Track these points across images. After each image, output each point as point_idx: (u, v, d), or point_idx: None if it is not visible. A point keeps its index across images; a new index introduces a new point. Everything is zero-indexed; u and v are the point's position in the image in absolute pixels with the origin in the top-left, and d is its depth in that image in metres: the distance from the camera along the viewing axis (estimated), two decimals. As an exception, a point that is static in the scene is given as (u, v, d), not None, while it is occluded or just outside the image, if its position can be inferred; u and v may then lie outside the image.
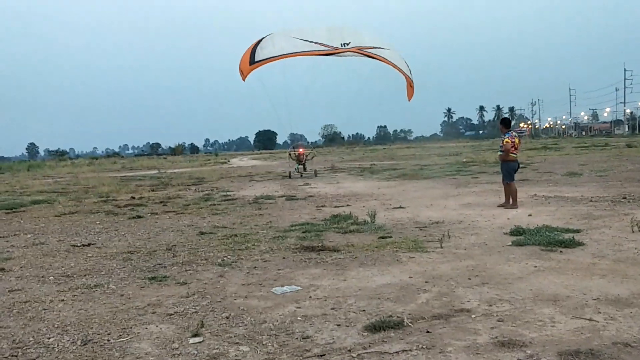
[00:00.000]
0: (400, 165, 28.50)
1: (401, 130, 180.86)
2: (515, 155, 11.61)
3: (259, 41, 16.70)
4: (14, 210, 14.41)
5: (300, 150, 25.34)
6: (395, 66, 16.60)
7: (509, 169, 11.55)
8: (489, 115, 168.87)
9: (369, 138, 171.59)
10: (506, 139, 11.53)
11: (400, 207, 12.02)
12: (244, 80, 16.95)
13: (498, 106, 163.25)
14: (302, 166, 24.34)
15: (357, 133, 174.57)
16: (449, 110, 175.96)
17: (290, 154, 25.98)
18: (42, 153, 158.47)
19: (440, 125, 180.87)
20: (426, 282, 5.89)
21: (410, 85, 17.33)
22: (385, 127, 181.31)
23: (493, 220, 9.87)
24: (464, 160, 30.53)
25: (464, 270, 6.34)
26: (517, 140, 11.66)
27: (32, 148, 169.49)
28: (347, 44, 15.83)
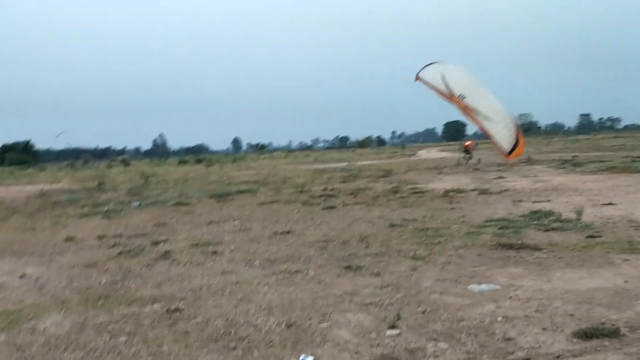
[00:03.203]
0: (608, 157, 25.82)
1: (608, 118, 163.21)
2: None
3: (432, 63, 20.14)
4: (223, 198, 15.91)
5: (468, 142, 31.83)
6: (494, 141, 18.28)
7: None
8: None
9: (569, 127, 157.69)
10: None
11: (611, 204, 10.86)
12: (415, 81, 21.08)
13: None
14: (469, 155, 29.39)
15: (556, 122, 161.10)
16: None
17: (459, 147, 33.21)
18: (244, 147, 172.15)
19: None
20: (645, 288, 5.25)
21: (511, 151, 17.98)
22: (588, 115, 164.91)
23: None
24: (687, 151, 26.67)
25: (692, 276, 5.52)
26: None
27: (236, 142, 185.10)
28: (463, 98, 18.37)
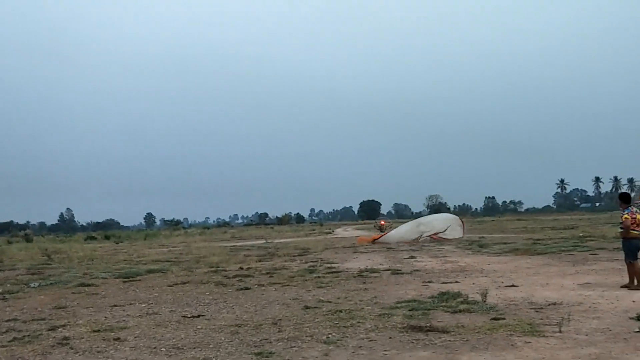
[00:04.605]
0: (511, 239, 27.22)
1: (511, 201, 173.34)
2: (637, 232, 10.73)
3: (382, 235, 29.02)
4: (130, 279, 15.24)
5: (382, 221, 35.14)
6: (440, 238, 27.98)
7: (630, 247, 10.69)
8: (606, 187, 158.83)
9: (476, 209, 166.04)
10: (625, 215, 10.74)
11: (513, 286, 11.39)
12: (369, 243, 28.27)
13: (615, 177, 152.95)
14: (384, 234, 31.07)
15: (464, 204, 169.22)
16: (561, 181, 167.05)
17: (375, 225, 36.26)
18: (158, 222, 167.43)
19: (553, 196, 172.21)
20: (545, 371, 5.48)
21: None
22: (493, 198, 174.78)
23: (616, 302, 9.07)
24: (581, 234, 28.64)
25: (586, 358, 5.86)
26: (638, 216, 10.81)
27: (149, 218, 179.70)
28: (424, 233, 27.83)
